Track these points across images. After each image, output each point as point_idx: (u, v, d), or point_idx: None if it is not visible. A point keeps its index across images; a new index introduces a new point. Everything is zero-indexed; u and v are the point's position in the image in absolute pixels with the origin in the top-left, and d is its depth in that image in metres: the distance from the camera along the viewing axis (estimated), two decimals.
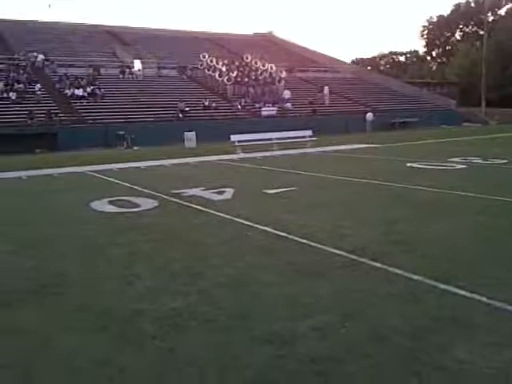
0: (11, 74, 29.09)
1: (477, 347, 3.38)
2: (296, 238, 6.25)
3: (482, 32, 51.24)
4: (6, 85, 27.48)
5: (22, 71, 29.97)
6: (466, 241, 6.02)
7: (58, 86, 29.70)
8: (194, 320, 3.95)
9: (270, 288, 4.62)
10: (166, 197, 9.76)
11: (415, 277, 4.71)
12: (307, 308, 4.13)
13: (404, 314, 3.95)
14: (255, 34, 53.08)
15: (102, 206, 9.03)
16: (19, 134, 23.02)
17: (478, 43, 59.62)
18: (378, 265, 5.10)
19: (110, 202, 9.29)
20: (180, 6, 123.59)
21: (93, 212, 8.60)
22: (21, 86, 27.91)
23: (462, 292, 4.30)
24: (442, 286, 4.45)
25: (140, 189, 10.94)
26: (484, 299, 4.12)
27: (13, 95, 26.73)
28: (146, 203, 9.11)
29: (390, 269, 4.97)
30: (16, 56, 32.21)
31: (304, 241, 6.13)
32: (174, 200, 9.43)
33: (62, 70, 31.45)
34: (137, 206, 8.94)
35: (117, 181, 12.55)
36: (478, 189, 9.39)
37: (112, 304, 4.37)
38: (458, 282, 4.50)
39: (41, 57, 32.42)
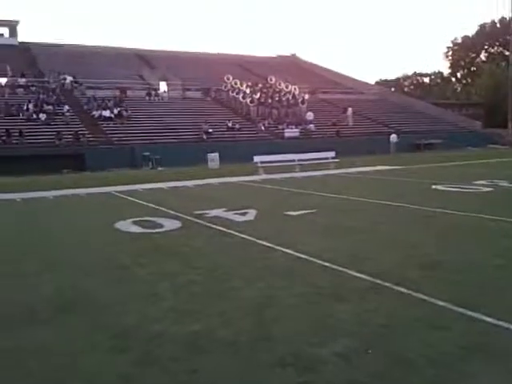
0: (41, 96, 30.00)
1: (504, 376, 3.28)
2: (318, 261, 6.21)
3: (507, 52, 50.76)
4: (35, 106, 28.33)
5: (51, 93, 30.89)
6: (493, 266, 5.88)
7: (85, 107, 30.48)
8: (216, 342, 3.94)
9: (292, 311, 4.59)
10: (189, 217, 9.84)
11: (441, 302, 4.61)
12: (330, 332, 4.08)
13: (429, 340, 3.87)
14: (279, 56, 53.67)
15: (127, 226, 9.14)
16: (47, 154, 23.59)
17: (503, 64, 59.05)
18: (402, 289, 5.02)
19: (135, 223, 9.40)
20: (205, 29, 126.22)
21: (117, 232, 8.72)
22: (50, 107, 28.74)
23: (489, 319, 4.19)
24: (469, 313, 4.35)
25: (164, 209, 11.06)
26: None
27: (42, 116, 27.51)
28: (170, 224, 9.19)
29: (415, 294, 4.88)
30: (46, 78, 33.24)
31: (326, 263, 6.08)
32: (197, 221, 9.49)
33: (90, 92, 32.29)
34: (161, 226, 9.03)
35: (141, 201, 12.71)
36: (505, 212, 9.19)
37: (134, 324, 4.39)
38: (485, 309, 4.38)
39: (70, 79, 33.37)
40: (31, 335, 4.27)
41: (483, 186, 13.47)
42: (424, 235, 7.63)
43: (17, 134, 25.11)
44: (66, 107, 29.25)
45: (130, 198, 13.59)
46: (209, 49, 69.01)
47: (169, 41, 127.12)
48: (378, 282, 5.30)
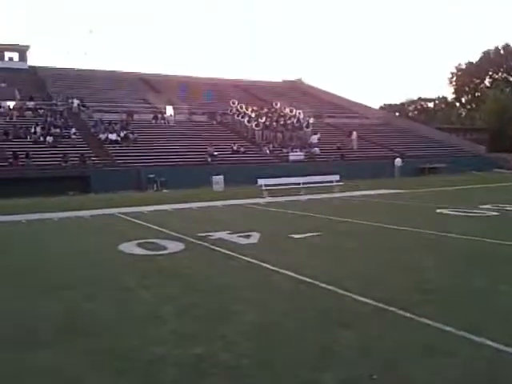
0: (48, 119, 30.38)
1: None
2: (322, 285, 6.16)
3: (511, 78, 51.07)
4: (43, 128, 28.65)
5: (59, 116, 31.27)
6: (496, 291, 5.82)
7: (93, 130, 30.79)
8: (217, 367, 3.90)
9: (295, 335, 4.54)
10: (192, 240, 9.83)
11: (447, 328, 4.55)
12: (333, 357, 4.02)
13: (435, 367, 3.80)
14: (284, 81, 54.25)
15: (131, 248, 9.14)
16: (53, 176, 23.74)
17: (507, 89, 59.43)
18: (407, 314, 4.96)
19: (139, 245, 9.39)
20: (211, 54, 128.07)
21: (121, 254, 8.71)
22: (57, 130, 29.05)
23: (495, 344, 4.12)
24: (475, 338, 4.28)
25: (168, 231, 11.05)
26: None
27: (49, 139, 27.80)
28: (173, 246, 9.18)
29: (420, 319, 4.82)
30: (54, 101, 33.69)
31: (330, 287, 6.03)
32: (201, 243, 9.48)
33: (97, 115, 32.67)
34: (164, 248, 9.02)
35: (145, 223, 12.72)
36: (510, 237, 9.13)
37: (136, 346, 4.35)
38: (491, 334, 4.32)
39: (77, 102, 33.81)
40: (33, 357, 4.24)
41: (488, 210, 13.41)
42: (428, 259, 7.57)
43: (23, 156, 25.34)
44: (73, 130, 29.57)
45: (134, 219, 13.61)
46: (215, 74, 69.92)
47: (175, 66, 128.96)
48: (382, 306, 5.24)
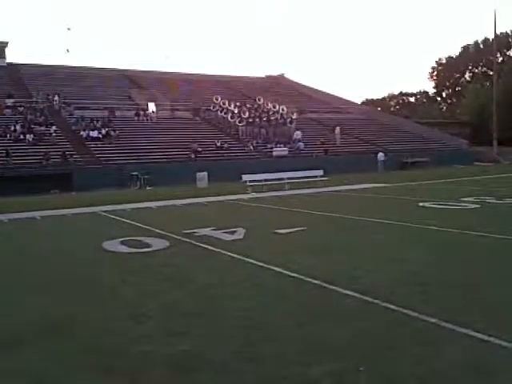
0: (29, 117, 29.89)
1: None
2: (308, 279, 6.17)
3: (491, 73, 51.80)
4: (23, 126, 28.19)
5: (39, 114, 30.78)
6: (482, 283, 5.89)
7: (73, 127, 30.38)
8: (204, 363, 3.87)
9: (282, 330, 4.54)
10: (177, 237, 9.77)
11: (431, 319, 4.59)
12: (320, 351, 4.03)
13: (420, 357, 3.83)
14: (267, 77, 54.18)
15: (114, 246, 9.04)
16: (35, 174, 23.41)
17: (487, 83, 60.20)
18: (393, 307, 5.00)
19: (122, 242, 9.31)
20: (193, 50, 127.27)
21: (105, 252, 8.61)
22: (38, 128, 28.60)
23: (480, 335, 4.17)
24: (460, 330, 4.33)
25: (152, 229, 10.97)
26: (504, 343, 3.99)
27: (30, 137, 27.36)
28: (158, 243, 9.11)
29: (405, 311, 4.86)
30: (34, 99, 33.16)
31: (316, 281, 6.05)
32: (186, 240, 9.43)
33: (78, 113, 32.24)
34: (148, 246, 8.94)
35: (129, 221, 12.61)
36: (493, 228, 9.25)
37: (121, 344, 4.31)
38: (475, 325, 4.37)
39: (57, 99, 33.33)
40: (17, 358, 4.17)
41: (470, 202, 13.57)
42: (414, 252, 7.64)
43: (3, 155, 24.92)
44: (54, 128, 29.14)
45: (117, 217, 13.48)
46: (198, 70, 69.44)
47: (156, 62, 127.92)
48: (368, 299, 5.27)
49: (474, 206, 13.02)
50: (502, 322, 4.51)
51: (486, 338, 4.12)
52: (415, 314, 4.74)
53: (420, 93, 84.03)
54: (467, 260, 7.09)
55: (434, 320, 4.56)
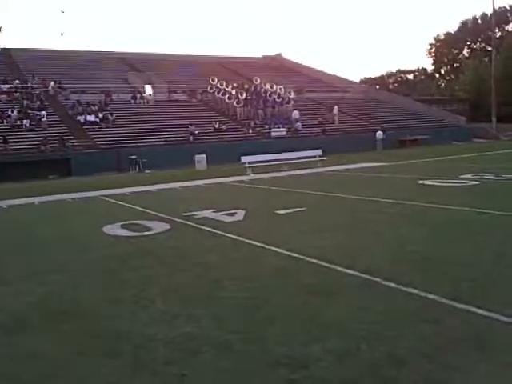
0: (25, 102, 29.67)
1: (498, 368, 3.29)
2: (308, 259, 6.20)
3: (489, 48, 51.33)
4: (19, 112, 28.01)
5: (35, 99, 30.55)
6: (482, 259, 5.91)
7: (70, 112, 30.19)
8: (208, 344, 3.90)
9: (284, 310, 4.57)
10: (177, 219, 9.78)
11: (431, 296, 4.62)
12: (322, 330, 4.06)
13: (421, 334, 3.86)
14: (264, 57, 53.70)
15: (115, 230, 9.06)
16: (33, 160, 23.35)
17: (486, 59, 59.71)
18: (393, 284, 5.02)
19: (123, 226, 9.32)
20: (189, 31, 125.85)
21: (105, 236, 8.63)
22: (34, 113, 28.41)
23: (481, 311, 4.20)
24: (459, 306, 4.36)
25: (152, 212, 10.98)
26: (504, 318, 4.02)
27: (26, 122, 27.21)
28: (158, 226, 9.12)
29: (405, 288, 4.88)
30: (29, 84, 32.88)
31: (316, 261, 6.07)
32: (186, 222, 9.44)
33: (74, 97, 32.01)
34: (149, 229, 8.95)
35: (129, 205, 12.61)
36: (492, 205, 9.26)
37: (125, 328, 4.34)
38: (476, 301, 4.40)
39: (53, 84, 33.05)
40: (21, 343, 4.20)
41: (469, 179, 13.57)
42: (413, 230, 7.66)
43: (1, 141, 24.80)
44: (50, 112, 28.96)
45: (117, 201, 13.48)
46: (194, 51, 68.72)
47: (153, 44, 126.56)
48: (369, 277, 5.29)
49: (473, 182, 13.02)
50: (502, 297, 4.53)
51: (486, 313, 4.14)
52: (416, 291, 4.77)
53: (418, 70, 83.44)
54: (466, 237, 7.11)
55: (433, 296, 4.59)
